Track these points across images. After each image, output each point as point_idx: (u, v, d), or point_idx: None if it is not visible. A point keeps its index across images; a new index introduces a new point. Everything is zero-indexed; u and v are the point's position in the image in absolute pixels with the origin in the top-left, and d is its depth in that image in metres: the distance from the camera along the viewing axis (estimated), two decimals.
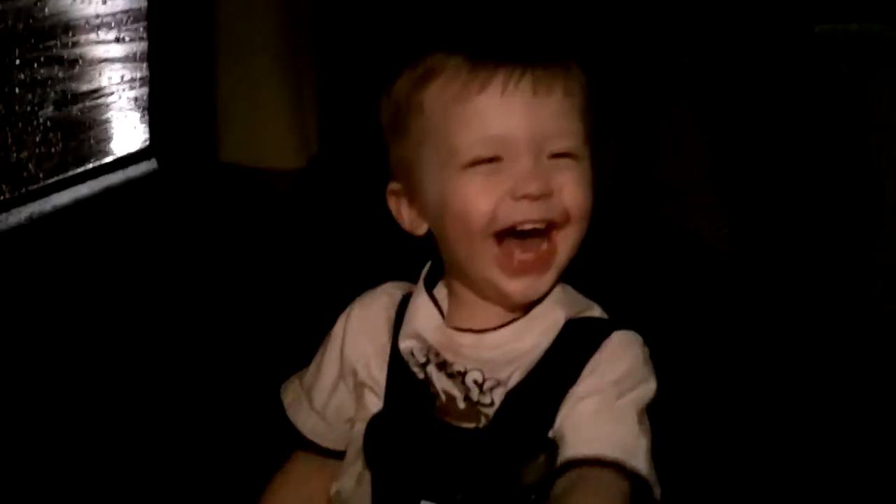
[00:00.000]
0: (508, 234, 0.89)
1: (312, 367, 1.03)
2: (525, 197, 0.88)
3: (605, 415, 0.86)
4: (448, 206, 0.91)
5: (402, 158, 0.95)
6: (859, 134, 1.17)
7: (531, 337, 0.92)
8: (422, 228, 0.96)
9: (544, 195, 0.88)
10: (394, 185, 0.98)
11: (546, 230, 0.90)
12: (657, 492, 0.86)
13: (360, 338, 0.99)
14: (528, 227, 0.89)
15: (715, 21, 1.15)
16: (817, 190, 1.12)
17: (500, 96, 0.88)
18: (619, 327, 0.92)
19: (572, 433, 0.86)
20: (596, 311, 0.95)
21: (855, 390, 1.12)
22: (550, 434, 0.88)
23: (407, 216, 0.97)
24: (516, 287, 0.90)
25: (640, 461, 0.85)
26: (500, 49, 0.90)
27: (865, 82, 1.27)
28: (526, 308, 0.93)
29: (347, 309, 1.01)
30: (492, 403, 0.90)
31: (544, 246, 0.90)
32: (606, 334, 0.91)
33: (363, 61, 1.34)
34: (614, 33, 1.14)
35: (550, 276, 0.91)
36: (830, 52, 1.23)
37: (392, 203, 0.98)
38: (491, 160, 0.89)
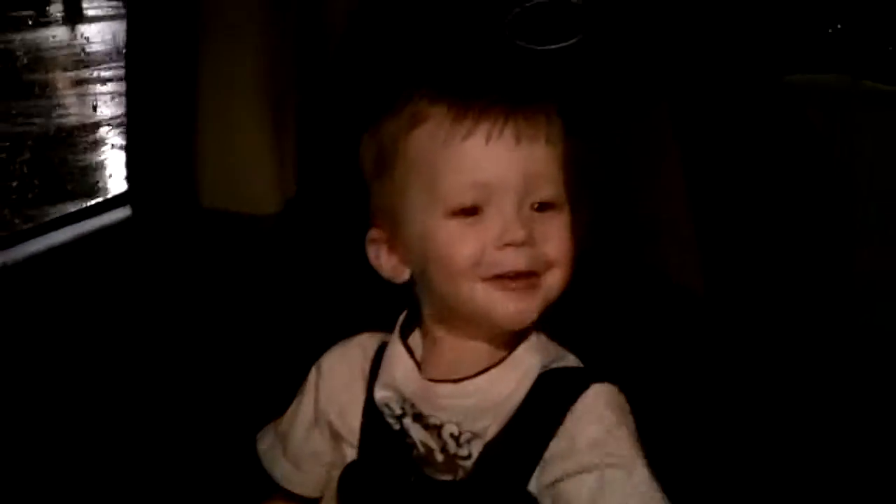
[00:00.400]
0: (494, 279, 0.90)
1: (287, 415, 1.03)
2: (509, 245, 0.88)
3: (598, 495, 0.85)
4: (432, 251, 0.91)
5: (385, 203, 0.96)
6: (833, 181, 1.19)
7: (507, 384, 0.91)
8: (403, 275, 0.96)
9: (527, 243, 0.89)
10: (374, 233, 0.98)
11: (529, 276, 0.90)
12: None
13: (334, 388, 0.99)
14: (511, 275, 0.89)
15: (689, 67, 1.17)
16: (790, 234, 1.14)
17: (485, 144, 0.89)
18: (595, 379, 0.91)
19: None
20: (571, 361, 0.94)
21: (832, 433, 1.12)
22: (530, 488, 0.87)
23: (387, 263, 0.97)
24: (507, 310, 0.89)
25: None
26: (484, 96, 0.91)
27: (839, 131, 1.29)
28: (502, 356, 0.93)
29: (320, 359, 1.01)
30: (469, 456, 0.89)
31: (532, 278, 0.90)
32: (583, 386, 0.90)
33: (344, 105, 1.35)
34: (594, 81, 1.16)
35: (539, 302, 0.91)
36: (802, 101, 1.25)
37: (372, 250, 0.98)
38: (475, 209, 0.90)
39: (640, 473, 0.86)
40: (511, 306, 0.90)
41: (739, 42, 1.20)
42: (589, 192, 0.96)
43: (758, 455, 1.06)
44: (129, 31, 1.43)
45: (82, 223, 1.35)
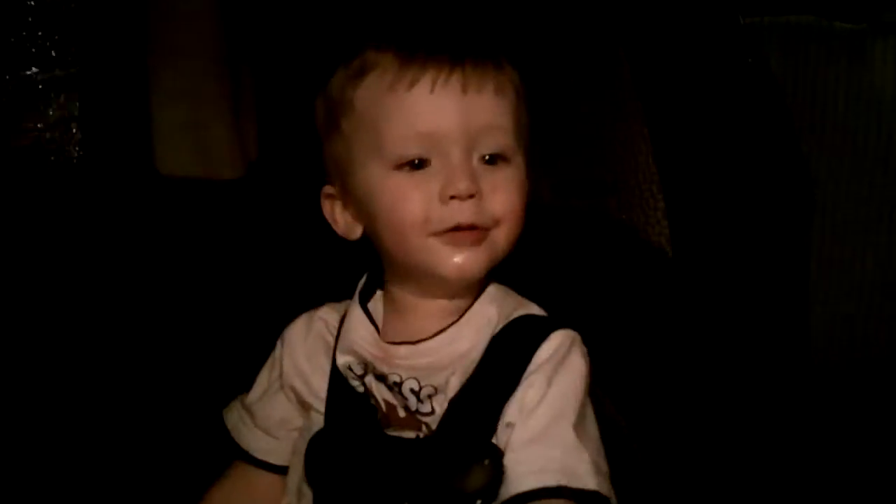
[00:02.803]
0: (440, 234, 0.89)
1: (254, 387, 1.02)
2: (454, 197, 0.87)
3: (541, 440, 0.85)
4: (378, 206, 0.90)
5: (335, 157, 0.95)
6: (789, 126, 1.18)
7: (466, 339, 0.91)
8: (356, 231, 0.95)
9: (474, 196, 0.88)
10: (328, 189, 0.97)
11: (475, 229, 0.89)
12: (613, 499, 0.86)
13: (299, 359, 0.98)
14: (458, 229, 0.88)
15: (645, 12, 1.15)
16: (752, 184, 1.13)
17: (430, 93, 0.88)
18: (557, 326, 0.91)
19: (513, 467, 0.85)
20: (533, 309, 0.94)
21: (791, 389, 1.12)
22: (494, 440, 0.87)
23: (341, 219, 0.96)
24: (454, 264, 0.88)
25: (584, 477, 0.84)
26: (429, 45, 0.90)
27: (797, 72, 1.28)
28: (461, 313, 0.92)
29: (284, 331, 1.01)
30: (431, 412, 0.89)
31: (478, 231, 0.89)
32: (545, 334, 0.90)
33: (299, 64, 1.33)
34: (546, 28, 1.14)
35: (485, 255, 0.89)
36: (760, 43, 1.24)
37: (326, 206, 0.97)
38: (421, 161, 0.88)
39: (561, 424, 0.85)
40: (457, 260, 0.89)
41: None
42: (543, 144, 0.95)
43: (717, 413, 1.06)
44: None
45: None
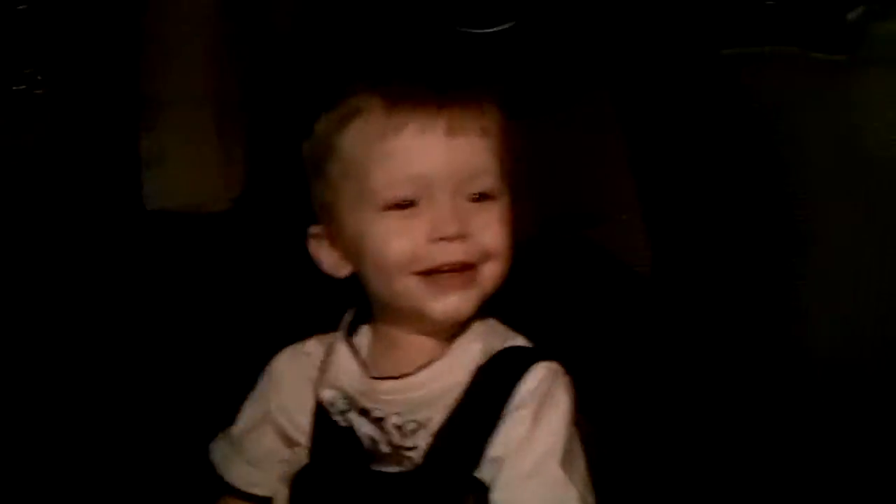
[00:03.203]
0: (427, 274, 0.90)
1: (238, 421, 1.02)
2: (442, 239, 0.88)
3: (530, 478, 0.86)
4: (366, 247, 0.91)
5: (322, 200, 0.96)
6: (769, 158, 1.19)
7: (450, 375, 0.91)
8: (344, 270, 0.96)
9: (461, 237, 0.89)
10: (314, 229, 0.98)
11: (464, 269, 0.90)
12: None
13: (284, 393, 0.99)
14: (445, 269, 0.89)
15: (627, 49, 1.17)
16: (733, 216, 1.14)
17: (416, 137, 0.89)
18: (538, 358, 0.91)
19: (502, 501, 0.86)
20: (518, 341, 0.95)
21: (779, 414, 1.13)
22: (478, 474, 0.88)
23: (327, 259, 0.97)
24: (443, 307, 0.90)
25: None
26: (414, 90, 0.91)
27: (788, 104, 1.29)
28: (446, 347, 0.93)
29: (270, 364, 1.01)
30: (415, 447, 0.89)
31: (467, 272, 0.90)
32: (526, 367, 0.90)
33: (288, 103, 1.34)
34: (530, 66, 1.15)
35: (475, 296, 0.91)
36: (742, 73, 1.25)
37: (313, 245, 0.98)
38: (408, 203, 0.89)
39: (548, 464, 0.86)
40: (446, 303, 0.90)
41: (676, 18, 1.20)
42: (528, 180, 0.96)
43: (701, 433, 1.07)
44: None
45: None
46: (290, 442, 0.98)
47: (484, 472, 0.88)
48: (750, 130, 1.19)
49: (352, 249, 0.93)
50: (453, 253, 0.89)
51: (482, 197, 0.91)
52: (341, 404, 0.93)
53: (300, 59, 1.34)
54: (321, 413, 0.95)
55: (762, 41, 1.38)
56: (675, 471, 1.05)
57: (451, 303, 0.90)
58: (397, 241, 0.89)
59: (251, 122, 1.47)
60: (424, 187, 0.89)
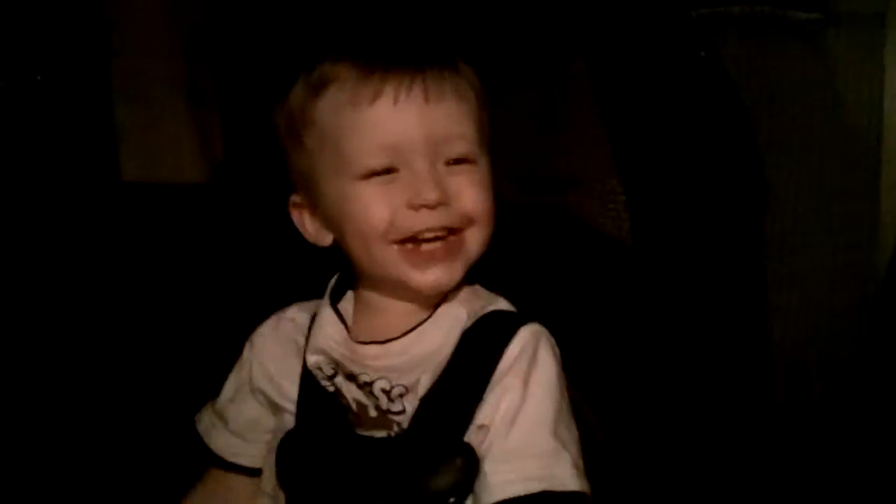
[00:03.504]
0: (409, 241, 0.90)
1: (223, 391, 1.02)
2: (423, 206, 0.88)
3: (522, 448, 0.87)
4: (346, 216, 0.91)
5: (300, 170, 0.95)
6: (743, 118, 1.20)
7: (435, 339, 0.92)
8: (326, 239, 0.96)
9: (442, 203, 0.89)
10: (295, 197, 0.97)
11: (447, 235, 0.90)
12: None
13: (268, 361, 0.99)
14: (428, 235, 0.89)
15: (598, 12, 1.16)
16: (708, 176, 1.14)
17: (393, 105, 0.88)
18: (523, 321, 0.92)
19: (494, 475, 0.86)
20: (501, 305, 0.95)
21: (751, 385, 1.15)
22: (466, 438, 0.88)
23: (310, 227, 0.97)
24: (426, 279, 0.90)
25: (566, 480, 0.86)
26: (388, 56, 0.90)
27: (752, 63, 1.29)
28: (430, 312, 0.93)
29: (252, 334, 1.01)
30: (402, 411, 0.90)
31: (451, 238, 0.90)
32: (513, 330, 0.91)
33: (260, 71, 1.33)
34: (503, 32, 1.15)
35: (459, 265, 0.91)
36: (717, 33, 1.25)
37: (295, 215, 0.98)
38: (387, 171, 0.89)
39: (539, 428, 0.87)
40: (429, 274, 0.90)
41: None
42: (505, 145, 0.96)
43: (681, 404, 1.08)
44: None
45: None
46: (275, 409, 0.98)
47: (472, 438, 0.88)
48: (724, 91, 1.19)
49: (332, 218, 0.93)
50: (434, 219, 0.89)
51: (460, 161, 0.91)
52: (328, 369, 0.93)
53: (272, 27, 1.32)
54: (307, 378, 0.95)
55: (734, 1, 1.38)
56: (655, 439, 1.06)
57: (433, 273, 0.90)
58: (376, 209, 0.89)
59: (225, 92, 1.46)
60: (402, 155, 0.89)
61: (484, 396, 0.88)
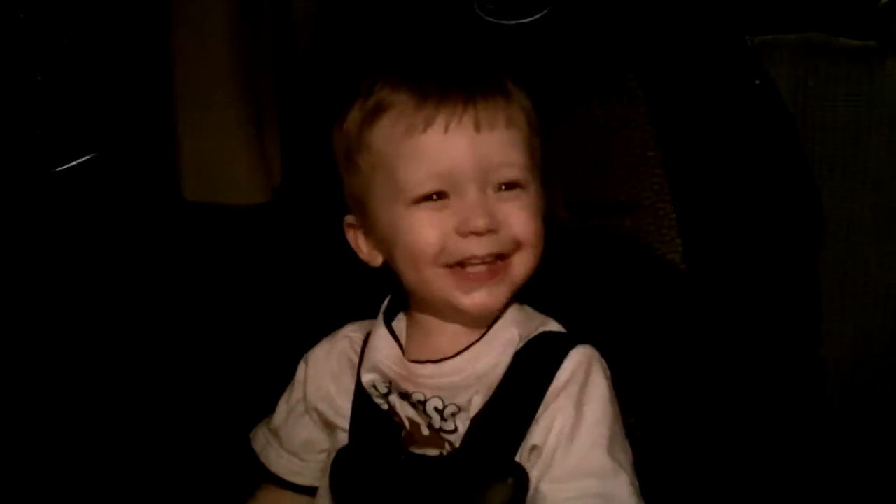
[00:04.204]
0: (457, 265, 0.92)
1: (278, 410, 1.04)
2: (472, 233, 0.90)
3: (579, 469, 0.87)
4: (397, 240, 0.93)
5: (354, 192, 0.98)
6: (796, 146, 1.20)
7: (488, 359, 0.93)
8: (378, 260, 0.98)
9: (491, 230, 0.90)
10: (350, 218, 1.00)
11: (494, 260, 0.92)
12: None
13: (323, 379, 1.01)
14: (475, 262, 0.91)
15: (654, 39, 1.17)
16: (761, 203, 1.14)
17: (444, 133, 0.90)
18: (575, 342, 0.93)
19: (553, 496, 0.87)
20: (553, 326, 0.96)
21: (801, 407, 1.14)
22: (518, 459, 0.89)
23: (364, 247, 0.99)
24: (472, 301, 0.91)
25: (624, 498, 0.86)
26: (441, 83, 0.92)
27: (806, 90, 1.29)
28: (482, 332, 0.94)
29: (308, 353, 1.03)
30: (455, 430, 0.91)
31: (498, 263, 0.92)
32: (565, 352, 0.92)
33: (321, 93, 1.36)
34: (559, 54, 1.16)
35: (505, 288, 0.92)
36: (771, 60, 1.25)
37: (350, 235, 1.00)
38: (438, 195, 0.91)
39: (595, 450, 0.88)
40: (476, 296, 0.91)
41: (703, 5, 1.20)
42: (557, 169, 0.97)
43: (733, 428, 1.08)
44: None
45: None
46: (330, 427, 0.99)
47: (523, 459, 0.89)
48: (777, 118, 1.19)
49: (384, 240, 0.95)
50: (483, 246, 0.90)
51: (510, 186, 0.92)
52: (382, 387, 0.95)
53: (328, 53, 1.35)
54: (361, 396, 0.96)
55: (789, 29, 1.38)
56: (706, 467, 1.06)
57: (480, 296, 0.91)
58: (427, 233, 0.91)
59: (284, 115, 1.49)
60: (452, 181, 0.91)
61: (536, 417, 0.89)
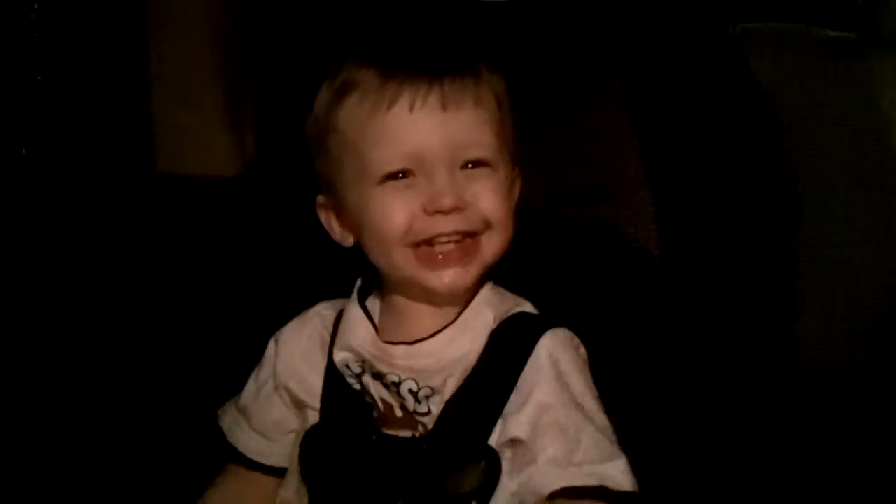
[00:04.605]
0: (424, 244, 0.91)
1: (246, 388, 1.03)
2: (438, 211, 0.89)
3: (572, 446, 0.87)
4: (365, 220, 0.93)
5: (324, 174, 0.97)
6: (775, 135, 1.20)
7: (463, 342, 0.93)
8: (349, 240, 0.98)
9: (458, 209, 0.90)
10: (322, 199, 0.99)
11: (463, 238, 0.91)
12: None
13: (293, 358, 1.00)
14: (443, 240, 0.90)
15: (634, 24, 1.17)
16: (737, 191, 1.15)
17: (409, 112, 0.90)
18: (550, 325, 0.92)
19: (549, 470, 0.87)
20: (527, 308, 0.96)
21: (777, 393, 1.15)
22: (493, 443, 0.89)
23: (336, 228, 0.99)
24: (441, 280, 0.91)
25: (619, 478, 0.86)
26: (407, 62, 0.91)
27: (788, 79, 1.29)
28: (456, 314, 0.94)
29: (278, 332, 1.02)
30: (428, 412, 0.91)
31: (467, 240, 0.91)
32: (539, 334, 0.91)
33: (292, 75, 1.35)
34: (535, 37, 1.16)
35: (475, 268, 0.92)
36: (751, 50, 1.25)
37: (322, 215, 1.00)
38: (404, 174, 0.90)
39: (596, 420, 0.88)
40: (443, 276, 0.91)
41: None
42: (533, 154, 0.96)
43: (706, 414, 1.08)
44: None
45: None
46: (300, 406, 0.99)
47: (497, 440, 0.89)
48: (757, 108, 1.20)
49: (353, 221, 0.95)
50: (450, 223, 0.90)
51: (477, 164, 0.91)
52: (355, 367, 0.94)
53: (300, 34, 1.34)
54: (333, 374, 0.96)
55: (770, 18, 1.38)
56: (679, 453, 1.06)
57: (448, 276, 0.91)
58: (394, 214, 0.90)
59: (258, 90, 1.47)
60: (419, 162, 0.90)
61: (510, 399, 0.89)
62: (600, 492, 0.86)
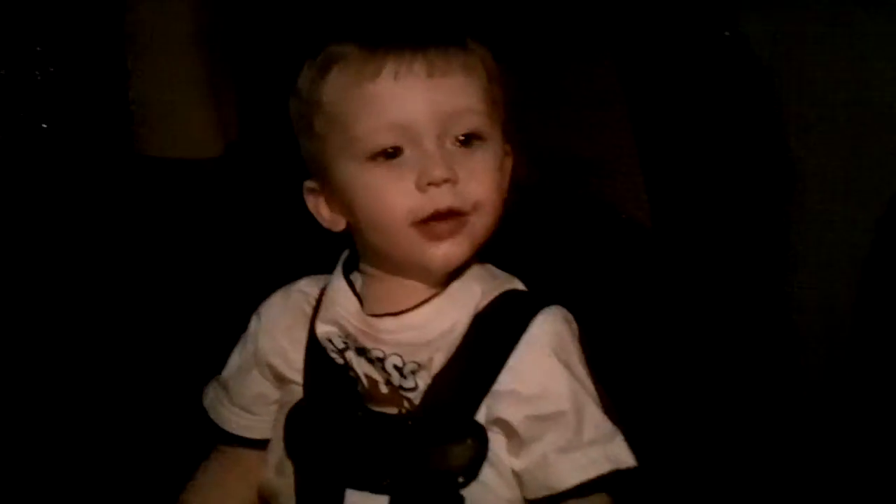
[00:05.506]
0: (423, 223, 0.88)
1: (229, 364, 1.01)
2: (430, 184, 0.87)
3: (580, 430, 0.86)
4: (356, 199, 0.90)
5: (312, 155, 0.94)
6: (767, 101, 1.19)
7: (450, 315, 0.90)
8: (341, 224, 0.95)
9: (449, 181, 0.87)
10: (310, 183, 0.96)
11: (456, 216, 0.89)
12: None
13: (276, 333, 0.98)
14: (439, 218, 0.88)
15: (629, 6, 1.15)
16: (729, 160, 1.13)
17: (394, 80, 0.87)
18: (543, 303, 0.90)
19: (561, 462, 0.85)
20: (517, 285, 0.94)
21: (767, 370, 1.14)
22: (480, 418, 0.87)
23: (325, 213, 0.96)
24: (436, 254, 0.88)
25: (624, 456, 0.86)
26: (391, 36, 0.89)
27: (778, 44, 1.27)
28: (444, 284, 0.92)
29: (260, 306, 1.00)
30: (415, 387, 0.89)
31: (459, 218, 0.89)
32: (532, 312, 0.89)
33: (275, 55, 1.33)
34: (526, 10, 1.14)
35: (467, 244, 0.89)
36: (742, 14, 1.24)
37: (310, 201, 0.97)
38: (394, 151, 0.88)
39: (590, 409, 0.87)
40: (438, 252, 0.88)
41: None
42: (526, 128, 0.94)
43: (699, 386, 1.07)
44: None
45: None
46: (282, 381, 0.97)
47: (485, 416, 0.87)
48: (748, 72, 1.18)
49: (345, 203, 0.92)
50: (442, 199, 0.87)
51: (470, 138, 0.89)
52: (339, 342, 0.92)
53: (287, 9, 1.32)
54: (315, 349, 0.94)
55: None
56: (670, 429, 1.05)
57: (442, 249, 0.88)
58: (391, 197, 0.87)
59: (240, 70, 1.46)
60: (408, 133, 0.87)
61: (502, 378, 0.87)
62: (611, 477, 0.85)
